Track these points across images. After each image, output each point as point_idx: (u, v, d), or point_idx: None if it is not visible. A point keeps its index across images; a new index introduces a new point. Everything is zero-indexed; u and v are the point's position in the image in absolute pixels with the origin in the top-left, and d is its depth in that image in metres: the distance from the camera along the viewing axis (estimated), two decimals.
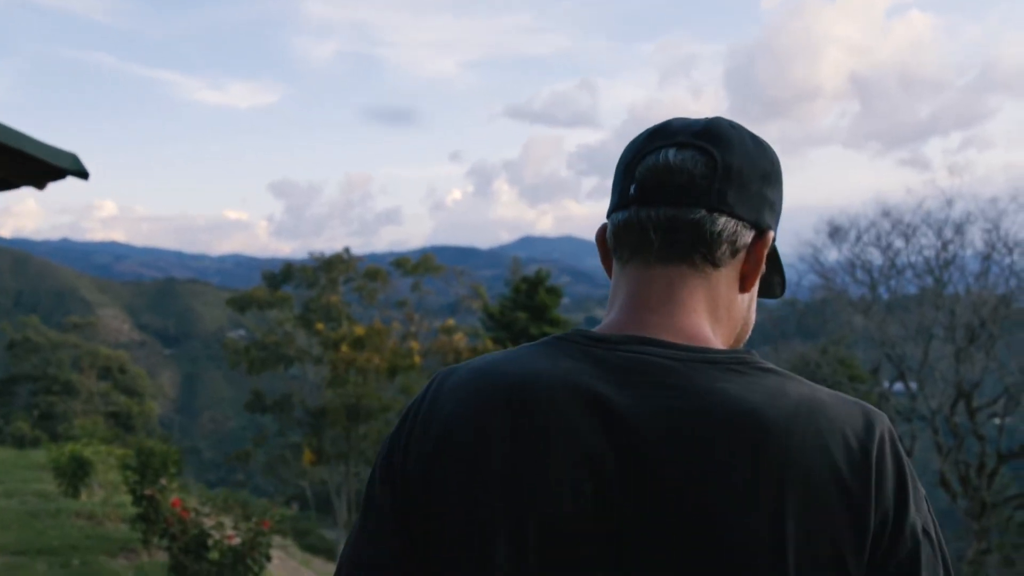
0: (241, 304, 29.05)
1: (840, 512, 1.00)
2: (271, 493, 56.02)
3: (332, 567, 25.84)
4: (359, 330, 27.11)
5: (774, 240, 1.21)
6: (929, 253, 26.51)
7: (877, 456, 1.04)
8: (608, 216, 1.21)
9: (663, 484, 1.01)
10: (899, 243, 26.48)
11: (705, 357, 1.08)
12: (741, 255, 1.16)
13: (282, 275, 29.73)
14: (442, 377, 1.17)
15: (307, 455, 29.33)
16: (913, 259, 26.53)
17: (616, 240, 1.19)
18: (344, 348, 26.48)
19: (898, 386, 27.85)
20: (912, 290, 27.29)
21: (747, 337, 1.26)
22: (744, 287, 1.19)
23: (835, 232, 27.14)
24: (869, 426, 1.05)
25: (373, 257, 30.32)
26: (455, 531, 1.06)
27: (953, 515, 24.83)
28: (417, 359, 27.11)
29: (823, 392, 1.08)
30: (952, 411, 25.94)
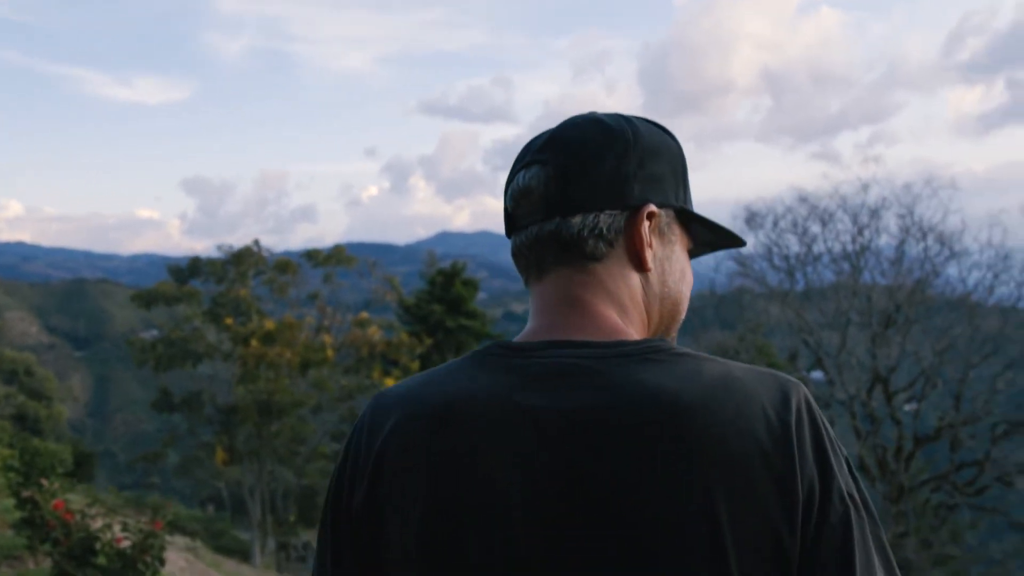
0: (147, 300, 27.94)
1: (768, 485, 1.02)
2: (186, 495, 54.82)
3: (245, 569, 25.09)
4: (269, 324, 26.29)
5: (680, 207, 1.24)
6: (845, 239, 26.65)
7: (796, 425, 1.05)
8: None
9: (593, 481, 1.03)
10: (816, 229, 26.54)
11: (619, 351, 1.11)
12: (620, 239, 1.19)
13: (189, 269, 28.71)
14: (373, 405, 1.21)
15: (219, 454, 28.43)
16: (830, 245, 26.59)
17: (516, 264, 1.27)
18: (254, 343, 25.64)
19: (816, 374, 27.94)
20: (829, 276, 27.37)
21: (680, 313, 1.28)
22: (641, 267, 1.20)
23: (752, 219, 27.08)
24: (785, 396, 1.07)
25: (289, 255, 29.43)
26: (400, 554, 1.11)
27: (871, 499, 24.84)
28: (330, 353, 26.35)
29: (737, 368, 1.10)
30: (869, 396, 26.05)
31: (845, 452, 1.10)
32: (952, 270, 26.31)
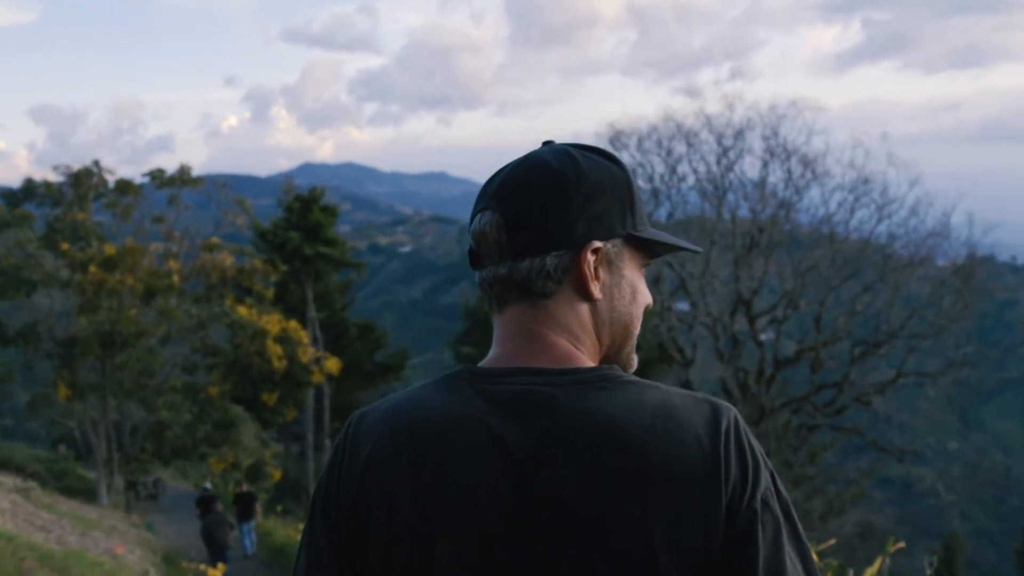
0: None
1: (700, 505, 1.17)
2: (40, 437, 52.41)
3: (87, 509, 23.69)
4: (110, 250, 24.58)
5: (628, 234, 1.35)
6: (710, 159, 26.24)
7: (724, 448, 1.20)
8: None
9: (549, 499, 1.20)
10: (681, 149, 26.05)
11: (574, 379, 1.26)
12: (568, 276, 1.31)
13: (23, 192, 26.69)
14: (357, 419, 1.36)
15: (61, 390, 26.71)
16: (695, 165, 26.15)
17: (481, 293, 1.38)
18: (92, 269, 23.94)
19: (680, 304, 27.65)
20: (694, 199, 26.99)
21: (633, 332, 1.39)
22: (588, 298, 1.32)
23: (616, 138, 26.41)
24: (716, 422, 1.22)
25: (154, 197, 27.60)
26: (379, 562, 1.26)
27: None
28: (176, 279, 24.83)
29: (675, 395, 1.25)
30: (732, 319, 25.91)
31: (770, 465, 1.26)
32: (815, 192, 26.23)
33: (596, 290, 1.31)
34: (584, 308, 1.32)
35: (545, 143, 1.40)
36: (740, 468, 1.20)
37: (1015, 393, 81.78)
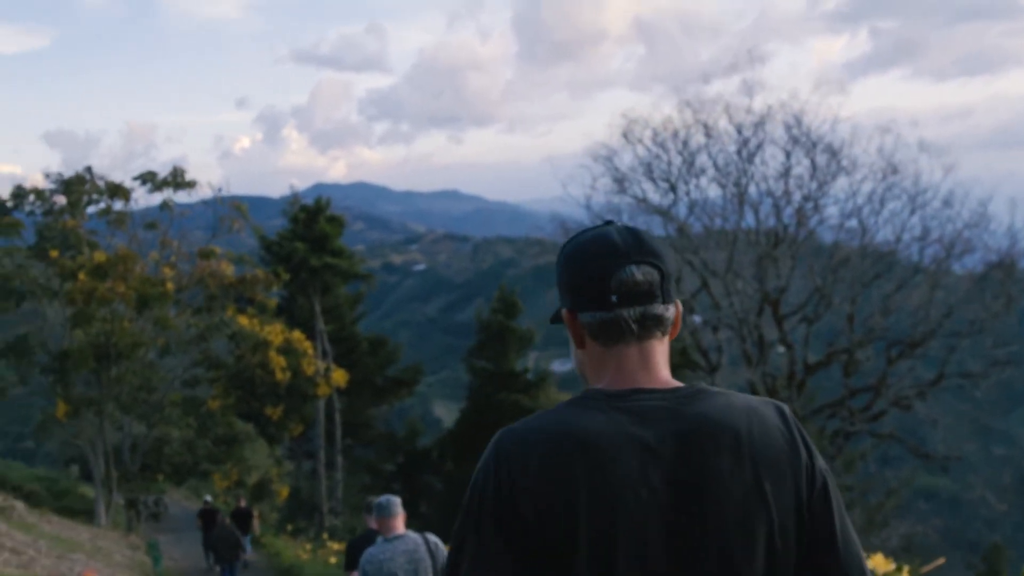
0: None
1: (791, 476, 1.58)
2: (54, 458, 51.15)
3: (82, 529, 22.40)
4: (100, 256, 23.34)
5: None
6: (730, 151, 24.74)
7: (796, 435, 1.62)
8: (580, 312, 1.70)
9: (684, 481, 1.55)
10: (699, 139, 24.56)
11: (679, 394, 1.63)
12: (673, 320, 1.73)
13: (13, 198, 25.53)
14: (508, 439, 1.63)
15: (60, 406, 25.45)
16: (714, 156, 24.64)
17: (601, 330, 1.69)
18: (82, 277, 22.70)
19: (695, 317, 26.16)
20: (714, 193, 25.51)
21: None
22: (670, 337, 1.74)
23: (629, 131, 24.95)
24: (784, 416, 1.65)
25: (165, 214, 26.16)
26: (572, 545, 1.52)
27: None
28: (170, 286, 23.54)
29: (750, 398, 1.66)
30: (759, 318, 24.43)
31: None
32: (841, 183, 24.71)
33: (675, 333, 1.75)
34: (668, 344, 1.75)
35: (607, 222, 1.79)
36: (807, 449, 1.62)
37: None
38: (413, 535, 5.80)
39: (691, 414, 1.58)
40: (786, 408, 1.66)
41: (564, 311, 1.76)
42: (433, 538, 5.84)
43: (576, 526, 1.51)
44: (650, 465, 1.55)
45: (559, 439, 1.57)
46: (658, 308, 1.65)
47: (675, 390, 1.64)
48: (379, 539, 5.91)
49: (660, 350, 1.69)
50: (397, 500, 5.91)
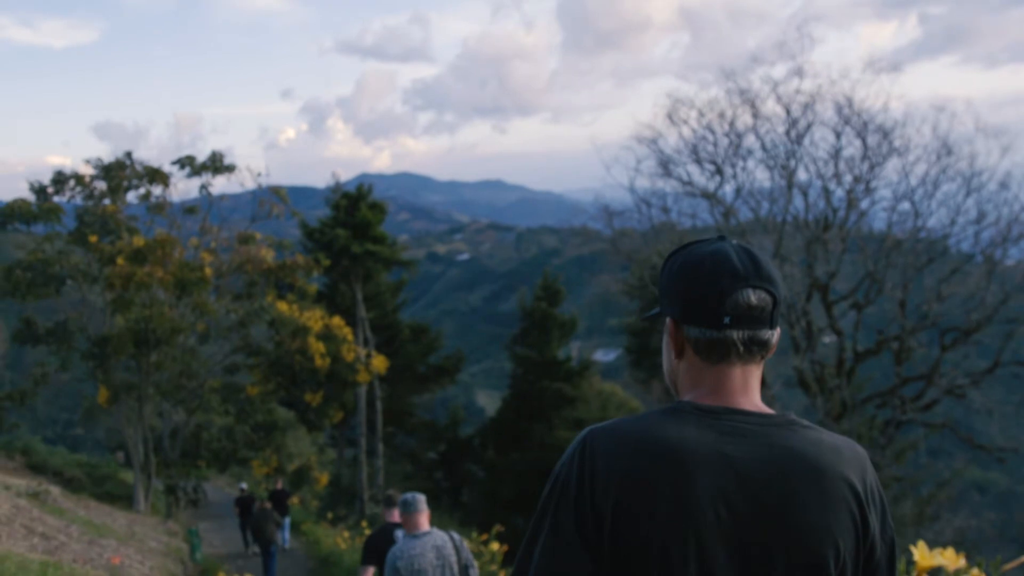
0: (1, 219, 24.65)
1: (860, 522, 1.65)
2: (102, 445, 51.55)
3: (119, 515, 22.30)
4: (139, 241, 23.18)
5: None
6: (779, 131, 24.00)
7: (871, 483, 1.69)
8: (687, 325, 1.73)
9: (765, 505, 1.59)
10: (746, 119, 23.86)
11: (770, 420, 1.69)
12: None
13: (53, 184, 25.50)
14: (595, 438, 1.67)
15: (102, 392, 25.40)
16: (762, 136, 23.91)
17: (707, 348, 1.72)
18: (120, 261, 22.55)
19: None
20: (761, 176, 24.84)
21: None
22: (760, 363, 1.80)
23: (675, 110, 24.30)
24: (863, 462, 1.71)
25: (205, 199, 26.02)
26: (644, 550, 1.57)
27: (812, 416, 22.57)
28: (208, 271, 23.32)
29: (835, 436, 1.72)
30: (807, 303, 23.75)
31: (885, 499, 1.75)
32: (893, 164, 23.91)
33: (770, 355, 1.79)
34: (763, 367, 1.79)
35: (719, 237, 1.80)
36: (880, 504, 1.70)
37: None
38: (439, 531, 5.93)
39: (781, 443, 1.64)
40: (866, 456, 1.74)
41: (669, 320, 1.79)
42: (457, 536, 5.95)
43: (651, 533, 1.56)
44: (734, 485, 1.59)
45: (647, 444, 1.61)
46: (766, 333, 1.72)
47: (769, 416, 1.70)
48: (401, 534, 6.12)
49: (757, 374, 1.75)
50: (422, 497, 5.98)
